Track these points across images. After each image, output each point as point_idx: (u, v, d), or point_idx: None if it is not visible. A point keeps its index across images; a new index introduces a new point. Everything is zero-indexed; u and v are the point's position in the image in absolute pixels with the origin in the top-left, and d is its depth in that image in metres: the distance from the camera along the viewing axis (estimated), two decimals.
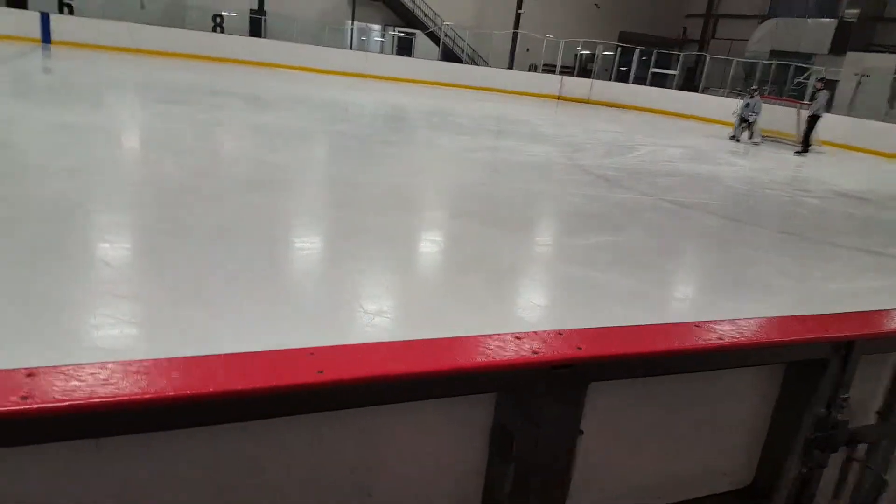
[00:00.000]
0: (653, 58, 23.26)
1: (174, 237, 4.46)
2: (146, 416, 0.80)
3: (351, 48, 23.02)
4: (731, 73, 22.18)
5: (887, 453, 1.64)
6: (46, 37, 18.12)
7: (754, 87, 16.46)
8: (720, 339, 1.23)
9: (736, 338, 1.25)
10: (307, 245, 4.96)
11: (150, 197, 5.45)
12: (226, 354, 0.88)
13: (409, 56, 23.52)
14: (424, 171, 8.36)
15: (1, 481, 0.81)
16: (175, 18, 20.75)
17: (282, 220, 5.46)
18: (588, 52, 25.84)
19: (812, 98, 15.68)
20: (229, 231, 4.72)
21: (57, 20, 18.47)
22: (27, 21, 18.09)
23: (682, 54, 23.97)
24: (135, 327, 3.25)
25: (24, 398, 0.74)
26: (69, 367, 0.81)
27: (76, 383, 0.78)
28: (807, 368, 1.43)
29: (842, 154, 15.78)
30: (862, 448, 1.60)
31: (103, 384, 0.78)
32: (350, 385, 0.91)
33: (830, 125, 16.02)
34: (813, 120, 14.49)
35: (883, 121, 17.31)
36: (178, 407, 0.80)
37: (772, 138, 16.08)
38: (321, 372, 0.88)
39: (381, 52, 24.11)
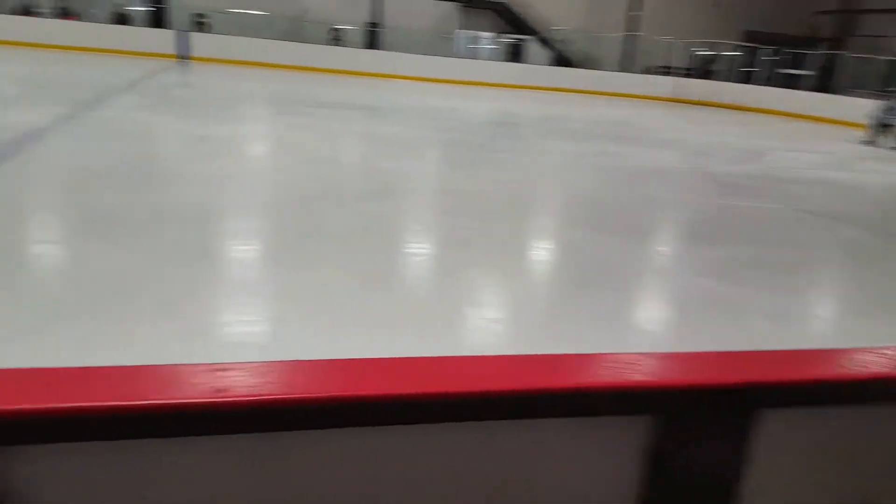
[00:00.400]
0: (780, 57, 21.80)
1: (298, 241, 4.66)
2: (318, 415, 0.82)
3: (461, 57, 23.27)
4: (874, 73, 20.34)
5: None
6: (184, 53, 19.66)
7: (893, 89, 14.92)
8: None
9: None
10: (422, 252, 5.01)
11: (275, 203, 5.72)
12: (397, 359, 0.90)
13: (520, 62, 23.44)
14: (539, 177, 8.26)
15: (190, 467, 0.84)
16: (296, 33, 21.86)
17: (398, 227, 5.57)
18: (709, 52, 24.62)
19: None
20: (349, 237, 4.87)
21: (194, 38, 20.01)
22: (167, 39, 19.73)
23: (815, 53, 22.27)
24: (260, 325, 3.40)
25: (220, 391, 0.77)
26: (258, 364, 0.84)
27: (259, 380, 0.81)
28: None
29: None
30: None
31: (282, 381, 0.81)
32: (515, 396, 0.90)
33: None
34: None
35: None
36: (347, 407, 0.83)
37: None
38: (487, 381, 0.89)
39: (492, 59, 24.20)
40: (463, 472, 1.00)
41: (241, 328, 3.37)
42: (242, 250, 4.58)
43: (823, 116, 18.44)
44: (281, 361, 0.86)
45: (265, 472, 0.89)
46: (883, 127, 13.90)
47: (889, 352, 1.17)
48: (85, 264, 3.96)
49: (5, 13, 19.73)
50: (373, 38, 22.61)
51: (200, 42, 19.92)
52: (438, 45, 22.81)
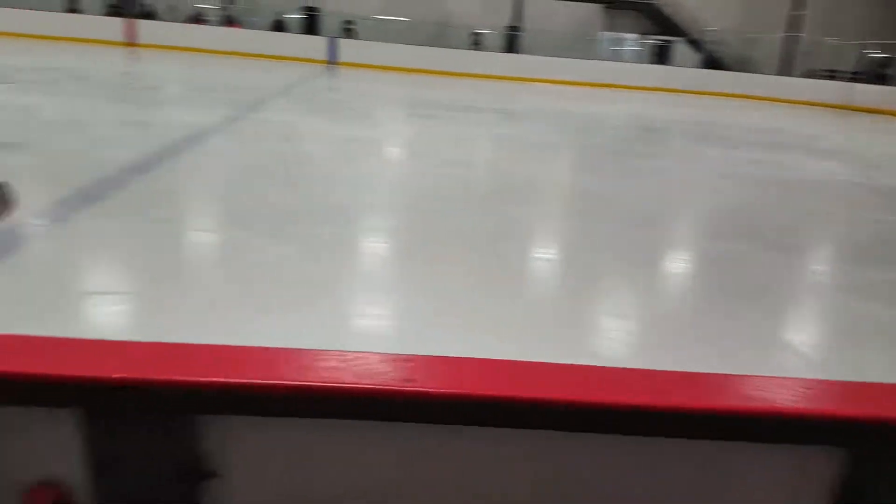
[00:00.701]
0: None
1: (436, 242, 4.78)
2: (497, 413, 0.83)
3: (603, 59, 22.74)
4: None
5: None
6: (333, 58, 20.79)
7: None
8: None
9: None
10: (558, 258, 4.95)
11: (416, 202, 5.91)
12: (575, 365, 0.90)
13: (666, 64, 22.48)
14: (685, 186, 7.86)
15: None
16: (438, 38, 22.41)
17: (534, 231, 5.54)
18: (884, 54, 22.24)
19: None
20: (487, 240, 4.90)
21: (342, 44, 21.10)
22: (317, 45, 20.96)
23: None
24: (392, 320, 3.50)
25: (408, 381, 0.80)
26: (439, 358, 0.86)
27: (442, 372, 0.83)
28: None
29: None
30: None
31: (464, 377, 0.83)
32: (699, 414, 0.86)
33: None
34: None
35: None
36: (522, 408, 0.83)
37: None
38: (668, 396, 0.85)
39: (636, 61, 23.42)
40: (637, 487, 0.97)
41: (374, 321, 3.51)
42: (380, 247, 4.77)
43: None
44: (469, 358, 0.87)
45: (443, 464, 0.90)
46: None
47: None
48: (244, 254, 4.30)
49: (180, 21, 21.98)
50: (512, 42, 22.68)
51: (348, 48, 20.99)
52: (580, 47, 22.45)
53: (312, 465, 0.89)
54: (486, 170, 8.15)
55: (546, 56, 21.17)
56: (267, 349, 0.86)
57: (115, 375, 0.78)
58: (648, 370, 0.90)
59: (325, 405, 0.82)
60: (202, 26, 21.87)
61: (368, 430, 0.86)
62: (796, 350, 3.57)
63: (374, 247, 4.77)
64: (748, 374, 0.95)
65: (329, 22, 22.61)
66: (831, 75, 21.53)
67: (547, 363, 0.89)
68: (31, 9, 16.85)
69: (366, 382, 0.81)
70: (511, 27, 22.93)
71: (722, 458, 0.96)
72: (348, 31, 22.82)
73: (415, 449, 0.89)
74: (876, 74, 21.80)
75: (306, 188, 6.08)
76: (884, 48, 22.02)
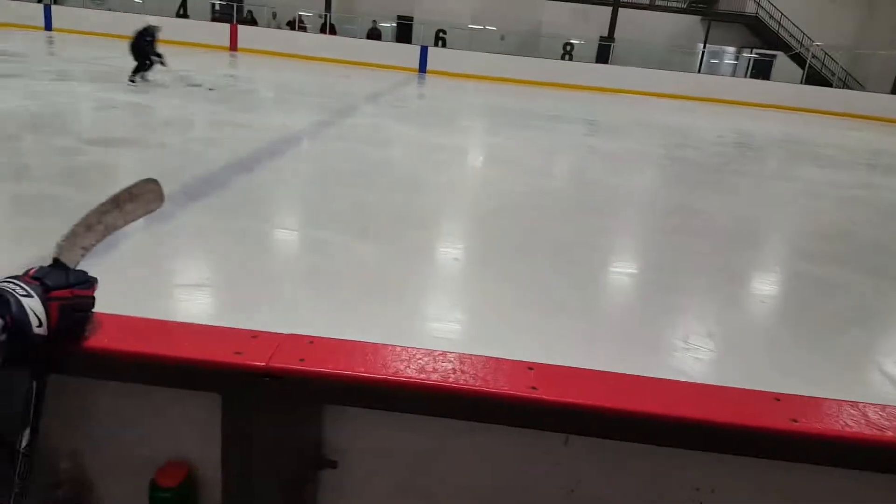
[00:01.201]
0: None
1: (518, 249, 4.91)
2: (607, 425, 0.84)
3: (700, 72, 22.11)
4: None
5: None
6: (423, 67, 21.26)
7: None
8: None
9: None
10: (637, 271, 5.00)
11: (501, 210, 6.05)
12: (690, 383, 0.91)
13: (766, 79, 21.61)
14: (779, 205, 7.67)
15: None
16: (530, 48, 22.43)
17: (617, 242, 5.64)
18: None
19: None
20: (570, 248, 5.03)
21: (432, 52, 21.51)
22: (410, 53, 21.45)
23: None
24: (463, 325, 3.65)
25: (533, 388, 0.82)
26: (561, 367, 0.88)
27: (565, 381, 0.86)
28: None
29: None
30: None
31: (584, 387, 0.85)
32: (825, 440, 0.85)
33: None
34: None
35: None
36: (642, 422, 0.84)
37: None
38: (795, 420, 0.85)
39: (733, 75, 22.64)
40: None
41: (449, 325, 3.67)
42: (458, 254, 4.96)
43: None
44: (589, 369, 0.89)
45: (554, 469, 0.91)
46: None
47: None
48: (332, 253, 4.58)
49: (281, 27, 23.05)
50: (605, 53, 22.43)
51: (439, 56, 21.35)
52: (675, 59, 21.94)
53: (429, 464, 0.90)
54: (571, 180, 8.24)
55: (639, 67, 20.82)
56: (391, 347, 0.89)
57: (255, 363, 0.81)
58: (779, 393, 0.90)
59: (444, 406, 0.83)
60: (300, 33, 22.86)
61: (484, 432, 0.87)
62: (893, 378, 3.48)
63: (451, 252, 4.95)
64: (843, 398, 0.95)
65: (422, 30, 23.13)
66: None
67: (649, 377, 0.90)
68: (146, 13, 18.13)
69: (491, 387, 0.82)
70: (604, 38, 22.70)
71: (828, 484, 0.94)
72: (440, 39, 23.26)
73: (528, 454, 0.90)
74: None
75: (390, 192, 6.28)
76: None
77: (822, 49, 22.04)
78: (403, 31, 23.65)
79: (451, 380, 0.82)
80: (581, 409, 0.82)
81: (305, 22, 23.86)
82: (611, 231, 5.88)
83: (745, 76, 22.18)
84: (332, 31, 23.12)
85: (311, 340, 0.87)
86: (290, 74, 16.72)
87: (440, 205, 6.15)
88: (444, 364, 0.85)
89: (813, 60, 21.99)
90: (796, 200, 7.99)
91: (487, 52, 21.28)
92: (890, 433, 0.86)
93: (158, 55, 11.37)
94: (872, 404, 0.92)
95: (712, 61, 23.09)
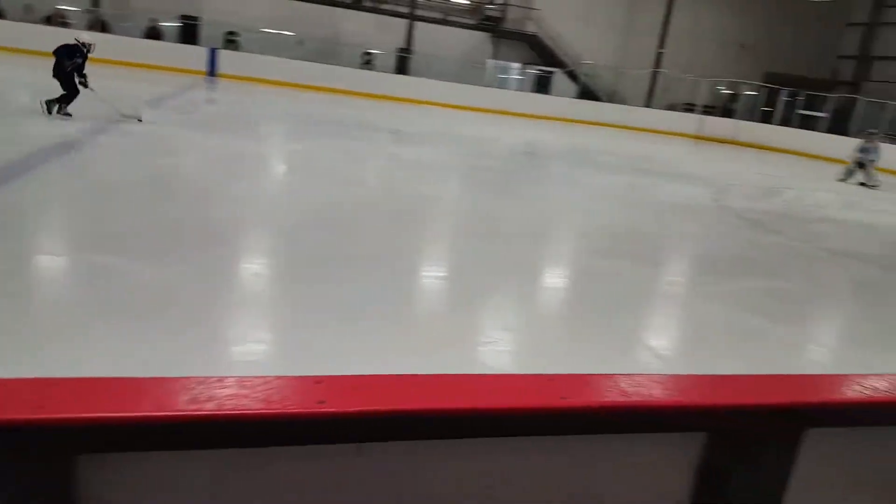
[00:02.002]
0: (801, 99, 22.20)
1: (321, 263, 4.80)
2: (408, 426, 0.85)
3: (490, 86, 23.81)
4: (887, 117, 20.66)
5: None
6: (212, 70, 19.98)
7: (871, 130, 15.22)
8: None
9: None
10: (451, 276, 5.22)
11: (308, 222, 5.91)
12: (479, 375, 0.95)
13: (547, 94, 23.96)
14: (568, 207, 8.62)
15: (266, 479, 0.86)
16: (328, 55, 22.36)
17: (428, 251, 5.86)
18: (731, 91, 25.07)
19: None
20: (384, 257, 5.07)
21: (222, 55, 20.32)
22: (196, 55, 20.05)
23: (832, 96, 22.64)
24: (265, 345, 3.56)
25: (320, 402, 0.79)
26: (350, 377, 0.86)
27: (352, 392, 0.84)
28: None
29: None
30: None
31: (374, 394, 0.84)
32: (586, 412, 0.94)
33: None
34: None
35: None
36: (435, 420, 0.86)
37: None
38: (564, 398, 0.92)
39: (520, 89, 24.75)
40: (527, 485, 1.03)
41: (254, 346, 3.70)
42: (257, 271, 4.71)
43: (837, 157, 18.70)
44: (378, 375, 0.88)
45: (356, 483, 0.91)
46: (859, 165, 14.16)
47: None
48: (119, 278, 4.31)
49: (36, 22, 20.02)
50: (403, 64, 23.23)
51: (230, 60, 20.19)
52: (468, 73, 23.37)
53: (213, 501, 0.85)
54: (379, 190, 8.35)
55: (437, 80, 21.88)
56: (158, 379, 0.79)
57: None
58: (534, 375, 0.97)
59: (223, 436, 0.77)
60: (62, 29, 20.14)
61: (274, 455, 0.82)
62: (658, 354, 4.20)
63: (253, 268, 4.70)
64: (620, 372, 1.08)
65: (209, 32, 21.88)
66: (690, 108, 23.95)
67: (440, 374, 0.92)
68: None
69: (275, 408, 0.76)
70: (402, 49, 23.50)
71: (598, 450, 1.06)
72: (231, 42, 21.99)
73: (322, 470, 0.88)
74: (726, 109, 24.60)
75: (177, 206, 5.83)
76: (730, 85, 24.83)
77: (591, 67, 24.97)
78: (188, 32, 22.04)
79: (228, 407, 0.75)
80: (371, 415, 0.80)
81: (68, 17, 21.11)
82: (420, 238, 6.10)
83: (530, 91, 24.36)
84: (104, 29, 20.91)
85: (56, 382, 0.75)
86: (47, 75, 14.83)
87: (240, 218, 5.78)
88: (220, 391, 0.77)
89: (584, 77, 24.82)
90: (583, 202, 9.01)
91: (285, 57, 20.81)
92: (636, 398, 0.97)
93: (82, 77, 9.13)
94: (624, 375, 1.02)
95: (501, 76, 25.00)
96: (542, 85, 24.55)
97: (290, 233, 5.58)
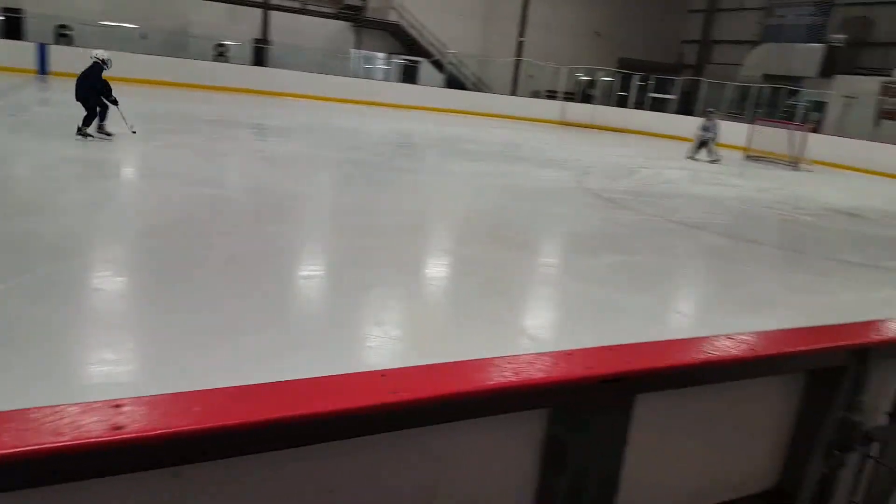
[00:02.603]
0: (651, 83, 23.77)
1: (186, 268, 4.55)
2: (226, 443, 0.81)
3: (355, 76, 23.43)
4: (726, 97, 22.63)
5: None
6: (43, 68, 18.11)
7: (710, 109, 16.71)
8: (752, 349, 1.34)
9: (764, 348, 1.36)
10: (324, 273, 5.08)
11: (162, 228, 5.49)
12: (303, 380, 0.91)
13: (414, 83, 23.96)
14: (440, 196, 8.61)
15: None
16: (177, 48, 20.98)
17: (302, 249, 5.64)
18: (589, 78, 26.35)
19: None
20: (247, 260, 4.83)
21: (53, 51, 18.47)
22: (23, 52, 18.09)
23: (679, 79, 24.46)
24: (136, 363, 3.32)
25: (118, 428, 0.74)
26: (153, 397, 0.82)
27: (156, 413, 0.80)
28: (827, 375, 1.54)
29: (831, 172, 16.12)
30: (875, 447, 1.70)
31: (182, 413, 0.80)
32: (420, 405, 0.93)
33: (823, 144, 16.44)
34: None
35: (869, 140, 17.76)
36: (260, 431, 0.82)
37: (766, 159, 16.43)
38: (394, 392, 0.91)
39: (386, 79, 24.57)
40: (372, 482, 1.04)
41: (106, 367, 3.38)
42: (109, 283, 4.33)
43: (686, 136, 20.21)
44: (172, 394, 0.83)
45: None
46: (701, 143, 15.48)
47: (744, 337, 1.39)
48: None
49: None
50: (261, 55, 22.30)
51: (62, 56, 18.20)
52: (330, 63, 22.85)
53: None
54: (243, 188, 7.95)
55: (298, 71, 21.20)
56: None
57: None
58: (365, 373, 0.96)
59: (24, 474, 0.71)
60: None
61: (85, 489, 0.77)
62: (530, 334, 4.25)
63: (103, 283, 4.29)
64: (495, 356, 1.09)
65: (36, 26, 19.78)
66: (552, 95, 24.92)
67: (263, 384, 0.88)
68: None
69: (65, 440, 0.71)
70: (258, 40, 22.53)
71: (449, 438, 1.08)
72: (63, 36, 20.04)
73: (144, 496, 0.83)
74: (585, 94, 25.85)
75: (11, 218, 5.25)
76: (587, 72, 26.11)
77: (455, 56, 25.26)
78: (12, 27, 19.77)
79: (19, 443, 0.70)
80: (182, 436, 0.77)
81: None
82: (291, 238, 5.85)
83: (396, 81, 24.25)
84: None
85: None
86: None
87: (83, 229, 5.29)
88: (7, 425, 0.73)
89: (450, 66, 25.08)
90: (454, 190, 9.03)
91: (127, 52, 19.22)
92: (475, 384, 0.99)
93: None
94: (465, 361, 1.04)
95: (366, 66, 24.68)
96: (408, 75, 24.54)
97: (136, 243, 5.16)
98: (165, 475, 0.82)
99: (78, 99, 9.16)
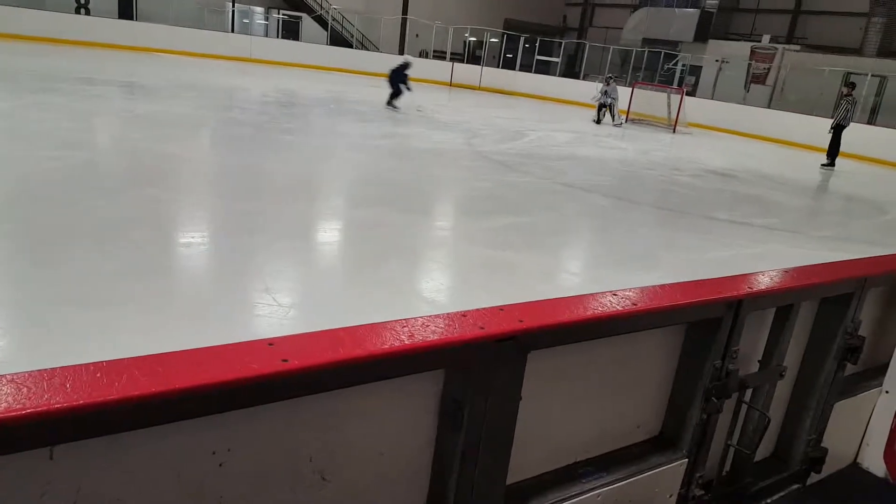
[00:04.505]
0: (536, 45, 24.15)
1: (61, 236, 4.23)
2: (105, 419, 0.78)
3: (233, 31, 22.10)
4: (608, 60, 23.43)
5: (769, 395, 1.96)
6: None
7: (609, 74, 17.46)
8: (634, 304, 1.41)
9: (647, 302, 1.43)
10: (206, 240, 4.80)
11: (27, 196, 5.04)
12: (187, 350, 0.88)
13: (297, 40, 22.93)
14: (329, 159, 8.33)
15: None
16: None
17: (179, 215, 5.29)
18: (475, 39, 26.35)
19: (836, 106, 13.87)
20: (123, 228, 4.52)
21: None
22: None
23: (562, 42, 25.00)
24: (10, 334, 3.08)
25: None
26: (15, 375, 0.78)
27: (25, 390, 0.75)
28: (705, 326, 1.64)
29: (707, 134, 17.21)
30: (748, 393, 1.87)
31: (59, 388, 0.76)
32: (313, 371, 0.92)
33: (699, 108, 17.46)
34: (838, 131, 12.64)
35: (741, 103, 19.06)
36: (141, 406, 0.78)
37: (646, 121, 17.25)
38: (286, 360, 0.90)
39: (266, 35, 23.34)
40: (266, 451, 1.02)
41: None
42: None
43: (571, 99, 20.83)
44: (70, 367, 0.80)
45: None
46: (602, 107, 16.14)
47: (627, 293, 1.46)
48: None
49: None
50: (128, 8, 20.48)
51: None
52: (205, 18, 21.39)
53: None
54: (116, 151, 7.36)
55: (170, 25, 19.68)
56: None
57: None
58: (250, 341, 0.93)
59: None
60: None
61: None
62: (426, 298, 4.21)
63: None
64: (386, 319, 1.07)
65: None
66: (442, 56, 24.71)
67: (142, 357, 0.84)
68: None
69: None
70: None
71: (347, 404, 1.08)
72: None
73: (15, 478, 0.80)
74: (472, 55, 25.86)
75: None
76: (474, 32, 26.10)
77: (339, 12, 24.37)
78: None
79: None
80: (62, 413, 0.74)
81: None
82: (169, 203, 5.44)
83: (277, 37, 23.10)
84: None
85: None
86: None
87: None
88: None
89: (334, 23, 24.18)
90: (342, 152, 8.76)
91: None
92: (370, 348, 0.99)
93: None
94: (358, 326, 1.04)
95: (244, 21, 23.30)
96: (290, 31, 23.44)
97: (8, 208, 4.64)
98: (41, 455, 0.79)
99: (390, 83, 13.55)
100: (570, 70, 24.38)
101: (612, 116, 16.09)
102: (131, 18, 20.16)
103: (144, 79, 13.74)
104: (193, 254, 4.46)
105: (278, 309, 3.58)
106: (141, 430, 0.83)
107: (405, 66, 13.65)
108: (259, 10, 23.54)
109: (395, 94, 13.53)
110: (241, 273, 4.09)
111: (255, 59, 20.26)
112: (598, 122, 16.11)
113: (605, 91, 16.08)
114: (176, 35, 19.47)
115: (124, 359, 0.83)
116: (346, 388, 1.02)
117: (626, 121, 16.78)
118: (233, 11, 22.73)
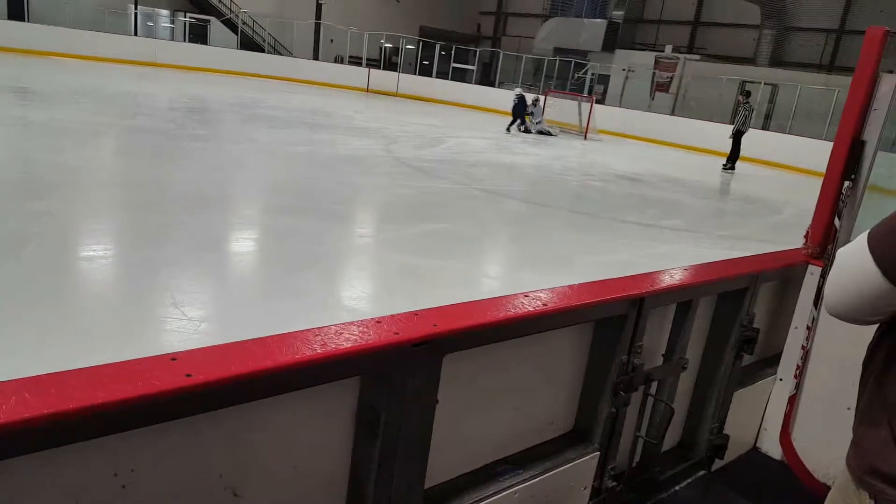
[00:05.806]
0: (452, 53, 24.42)
1: None
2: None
3: (136, 34, 21.14)
4: (522, 69, 24.00)
5: (673, 387, 2.06)
6: None
7: (528, 83, 18.05)
8: (545, 304, 1.46)
9: (557, 302, 1.48)
10: (109, 254, 4.55)
11: None
12: (86, 368, 0.85)
13: (205, 44, 22.17)
14: (242, 166, 8.08)
15: None
16: None
17: (78, 228, 5.01)
18: (391, 45, 26.36)
19: (734, 112, 14.61)
20: (13, 244, 4.24)
21: None
22: None
23: (477, 50, 25.39)
24: None
25: None
26: None
27: None
28: (611, 323, 1.71)
29: (617, 141, 17.92)
30: (654, 385, 1.96)
31: None
32: (220, 385, 0.90)
33: (608, 115, 18.16)
34: (738, 136, 13.31)
35: (646, 111, 19.98)
36: (31, 429, 0.75)
37: (562, 129, 17.78)
38: (189, 375, 0.87)
39: (172, 39, 22.45)
40: (180, 468, 0.99)
41: None
42: None
43: (487, 106, 21.19)
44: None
45: None
46: (527, 115, 16.52)
47: (538, 294, 1.51)
48: None
49: None
50: (19, 8, 19.20)
51: None
52: (105, 20, 20.35)
53: None
54: (12, 161, 6.80)
55: (66, 28, 18.58)
56: None
57: None
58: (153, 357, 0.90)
59: None
60: None
61: None
62: (346, 306, 4.16)
63: None
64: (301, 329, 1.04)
65: None
66: (356, 62, 24.54)
67: (40, 377, 0.81)
68: None
69: None
70: None
71: (259, 416, 1.05)
72: None
73: None
74: (388, 62, 25.83)
75: None
76: (389, 39, 26.10)
77: (249, 16, 23.78)
78: None
79: None
80: None
81: None
82: (68, 216, 5.14)
83: (184, 41, 22.28)
84: None
85: None
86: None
87: None
88: None
89: (244, 27, 23.56)
90: (254, 160, 8.51)
91: None
92: (280, 359, 0.97)
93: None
94: (267, 337, 1.03)
95: (148, 24, 22.34)
96: (197, 35, 22.66)
97: None
98: None
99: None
100: (486, 78, 24.77)
101: (533, 125, 16.42)
102: (22, 20, 18.92)
103: (38, 84, 12.90)
104: (95, 268, 4.21)
105: (188, 323, 3.43)
106: (32, 455, 0.79)
107: (524, 99, 15.96)
108: (164, 12, 22.65)
109: (515, 121, 15.83)
110: (148, 288, 3.90)
111: (160, 64, 19.45)
112: (530, 131, 16.40)
113: (532, 101, 16.48)
114: (74, 38, 18.43)
115: (12, 380, 0.78)
116: (256, 400, 0.99)
117: (558, 130, 17.21)
118: (136, 14, 21.73)
